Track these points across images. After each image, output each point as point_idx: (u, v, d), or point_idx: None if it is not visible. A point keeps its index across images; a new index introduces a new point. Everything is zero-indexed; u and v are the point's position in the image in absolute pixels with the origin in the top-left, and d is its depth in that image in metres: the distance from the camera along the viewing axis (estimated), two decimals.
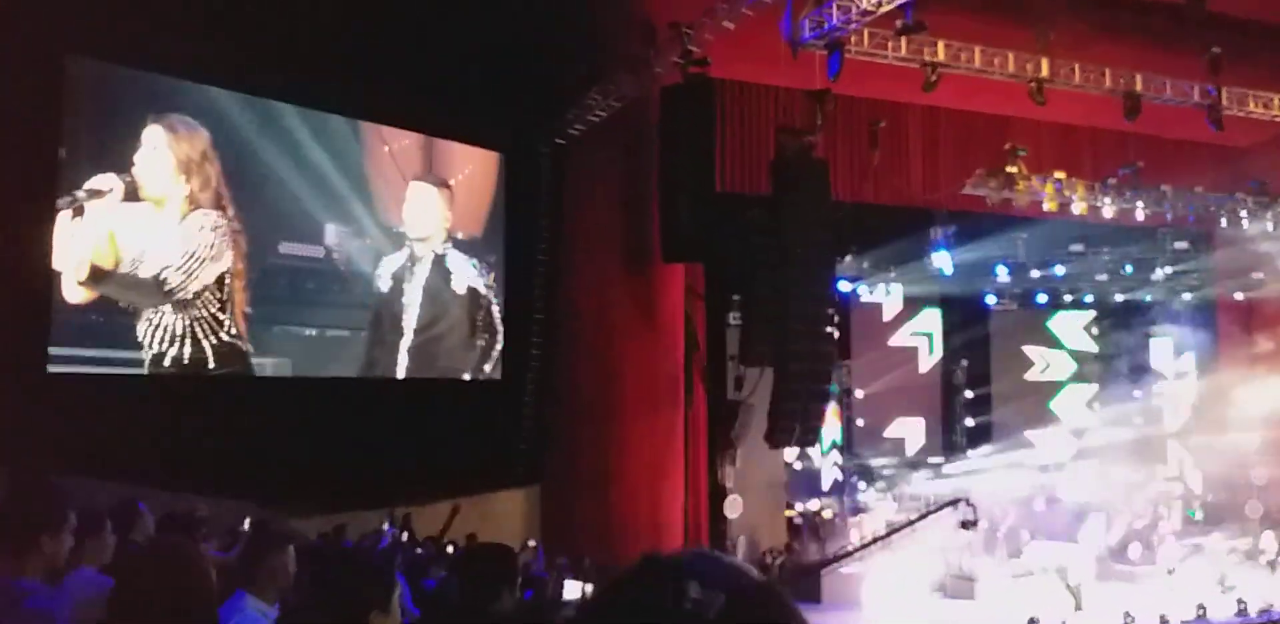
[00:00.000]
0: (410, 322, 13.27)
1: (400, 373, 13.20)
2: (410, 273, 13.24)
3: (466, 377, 14.23)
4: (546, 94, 14.02)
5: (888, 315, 20.63)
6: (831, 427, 17.08)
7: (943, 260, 18.06)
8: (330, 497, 10.66)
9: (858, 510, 17.98)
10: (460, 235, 14.04)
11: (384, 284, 12.96)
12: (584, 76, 13.56)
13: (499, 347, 14.52)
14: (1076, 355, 21.57)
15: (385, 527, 10.34)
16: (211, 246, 10.99)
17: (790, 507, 17.65)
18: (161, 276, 10.51)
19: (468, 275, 14.05)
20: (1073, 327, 21.58)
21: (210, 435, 9.91)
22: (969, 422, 21.02)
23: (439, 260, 13.66)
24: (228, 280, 11.14)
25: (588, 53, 13.73)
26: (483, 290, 14.29)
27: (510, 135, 14.55)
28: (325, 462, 10.82)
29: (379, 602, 2.54)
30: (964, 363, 21.13)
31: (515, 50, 13.27)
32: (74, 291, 9.79)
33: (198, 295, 10.85)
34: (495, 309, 14.48)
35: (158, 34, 9.95)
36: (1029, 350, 21.41)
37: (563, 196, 14.78)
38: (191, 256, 10.74)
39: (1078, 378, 21.50)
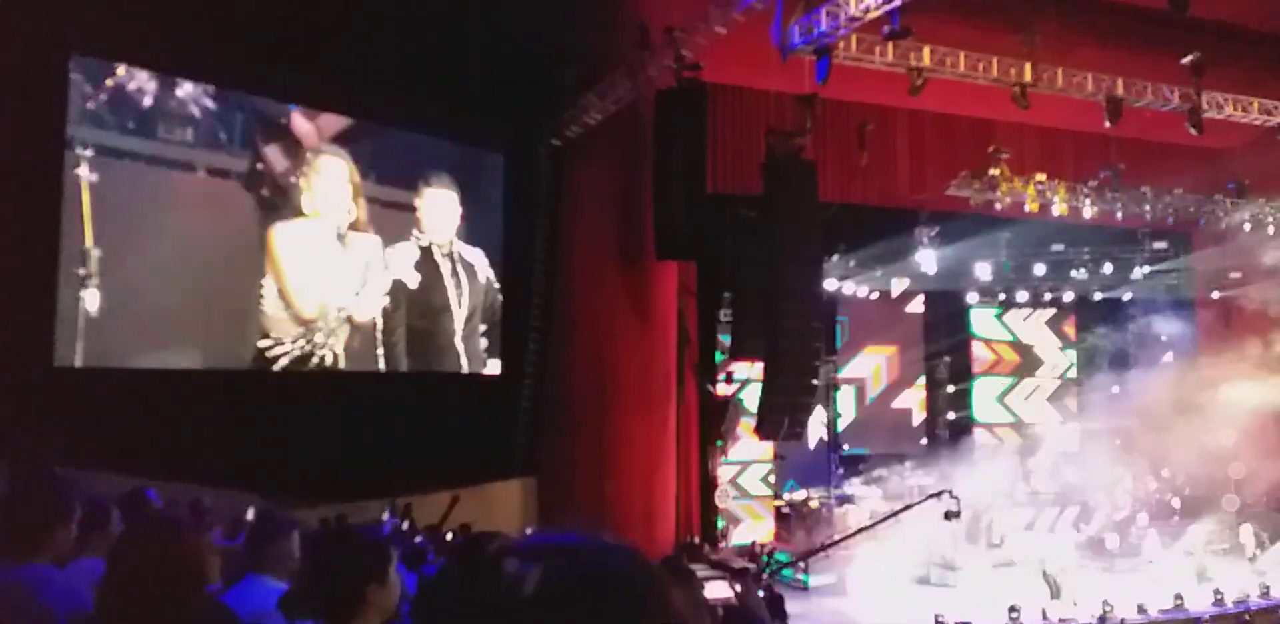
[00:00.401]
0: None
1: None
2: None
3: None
4: (545, 97, 14.25)
5: (885, 304, 20.94)
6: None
7: (926, 259, 18.33)
8: (333, 487, 10.79)
9: (844, 501, 18.29)
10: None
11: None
12: (581, 80, 13.80)
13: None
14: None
15: (386, 516, 10.62)
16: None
17: (778, 497, 17.99)
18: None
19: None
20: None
21: (214, 428, 10.02)
22: (951, 415, 21.36)
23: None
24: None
25: (585, 57, 13.96)
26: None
27: (509, 137, 14.76)
28: (328, 453, 11.00)
29: (376, 575, 2.48)
30: (946, 359, 21.45)
31: (514, 54, 13.47)
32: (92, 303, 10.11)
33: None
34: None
35: (158, 33, 10.09)
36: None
37: (560, 196, 15.05)
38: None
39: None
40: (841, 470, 19.43)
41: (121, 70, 10.58)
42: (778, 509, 17.67)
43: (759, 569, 13.90)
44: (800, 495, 17.95)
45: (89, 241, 10.10)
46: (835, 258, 18.32)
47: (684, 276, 15.77)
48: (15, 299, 9.29)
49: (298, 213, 12.28)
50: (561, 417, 14.79)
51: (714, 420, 16.34)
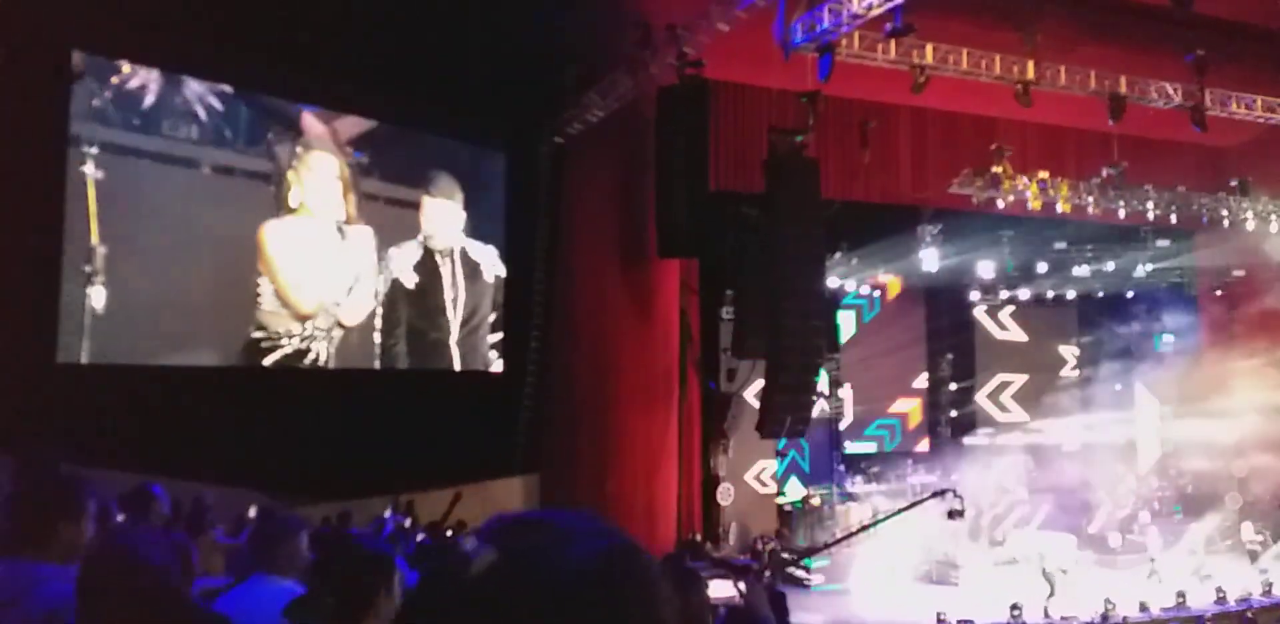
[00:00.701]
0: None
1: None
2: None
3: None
4: (546, 95, 14.26)
5: (879, 308, 20.99)
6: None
7: (929, 257, 18.34)
8: (336, 484, 10.84)
9: (847, 499, 18.31)
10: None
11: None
12: (583, 78, 13.81)
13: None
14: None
15: (389, 513, 10.65)
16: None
17: (781, 494, 18.00)
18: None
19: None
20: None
21: (218, 425, 10.06)
22: (953, 413, 21.36)
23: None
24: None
25: (586, 54, 13.96)
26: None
27: (511, 135, 14.78)
28: (331, 450, 11.01)
29: (384, 583, 2.58)
30: (949, 356, 21.44)
31: (515, 52, 13.48)
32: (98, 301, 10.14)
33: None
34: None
35: (161, 33, 10.14)
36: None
37: (562, 194, 15.06)
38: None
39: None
40: (844, 468, 19.44)
41: (126, 67, 10.62)
42: (780, 507, 17.69)
43: (762, 567, 13.93)
44: (803, 493, 17.98)
45: (95, 239, 10.14)
46: (837, 255, 18.32)
47: (686, 274, 15.78)
48: (21, 296, 9.34)
49: (287, 209, 12.27)
50: (563, 414, 14.81)
51: (716, 418, 16.36)
